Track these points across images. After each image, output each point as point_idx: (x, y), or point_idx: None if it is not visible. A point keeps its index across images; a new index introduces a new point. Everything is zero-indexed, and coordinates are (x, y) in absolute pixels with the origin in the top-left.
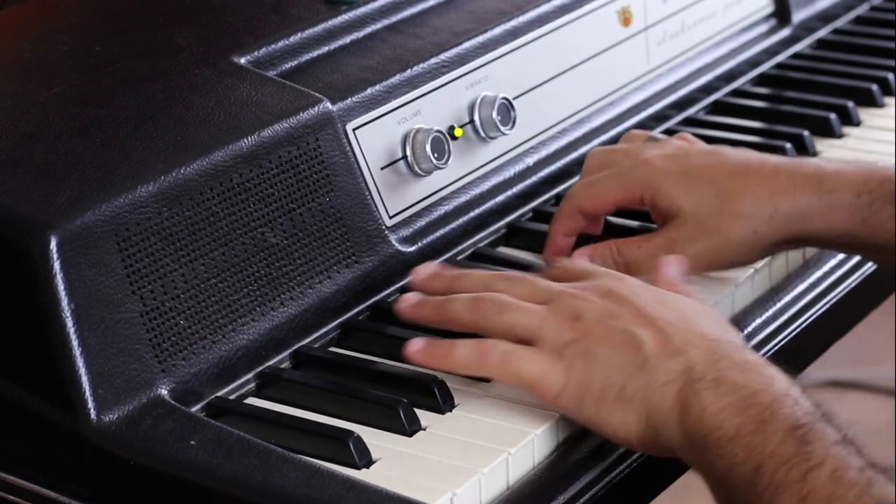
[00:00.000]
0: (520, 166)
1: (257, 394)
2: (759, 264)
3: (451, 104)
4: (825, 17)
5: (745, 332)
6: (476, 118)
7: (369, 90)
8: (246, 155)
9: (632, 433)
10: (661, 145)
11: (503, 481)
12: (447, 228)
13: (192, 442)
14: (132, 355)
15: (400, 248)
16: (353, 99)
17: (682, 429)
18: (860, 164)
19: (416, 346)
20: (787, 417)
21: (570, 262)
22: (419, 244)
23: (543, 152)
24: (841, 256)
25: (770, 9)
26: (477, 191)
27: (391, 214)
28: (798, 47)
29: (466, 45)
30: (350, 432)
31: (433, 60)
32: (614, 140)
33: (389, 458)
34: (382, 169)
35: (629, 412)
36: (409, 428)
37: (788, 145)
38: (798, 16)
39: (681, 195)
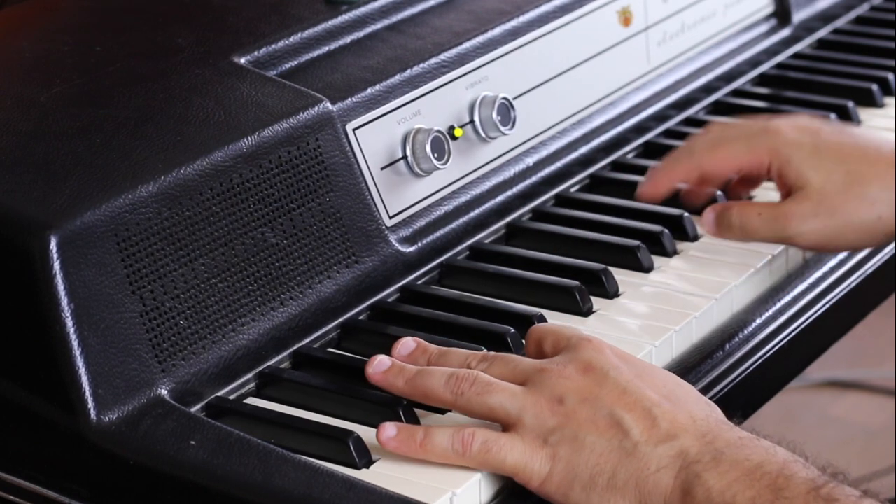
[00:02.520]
0: (520, 166)
1: (257, 394)
2: (760, 264)
3: (451, 104)
4: (825, 17)
5: (745, 332)
6: (476, 118)
7: (369, 90)
8: (246, 155)
9: None
10: (791, 116)
11: (503, 481)
12: (447, 228)
13: (192, 442)
14: (132, 355)
15: (400, 248)
16: (353, 99)
17: None
18: None
19: (388, 432)
20: (804, 480)
21: (544, 326)
22: (419, 244)
23: (543, 152)
24: (841, 256)
25: (770, 9)
26: (477, 191)
27: (391, 214)
28: (798, 47)
29: (466, 45)
30: (350, 432)
31: (433, 60)
32: (614, 140)
33: (389, 458)
34: (382, 169)
35: (620, 500)
36: None
37: None
38: (798, 16)
39: (809, 169)
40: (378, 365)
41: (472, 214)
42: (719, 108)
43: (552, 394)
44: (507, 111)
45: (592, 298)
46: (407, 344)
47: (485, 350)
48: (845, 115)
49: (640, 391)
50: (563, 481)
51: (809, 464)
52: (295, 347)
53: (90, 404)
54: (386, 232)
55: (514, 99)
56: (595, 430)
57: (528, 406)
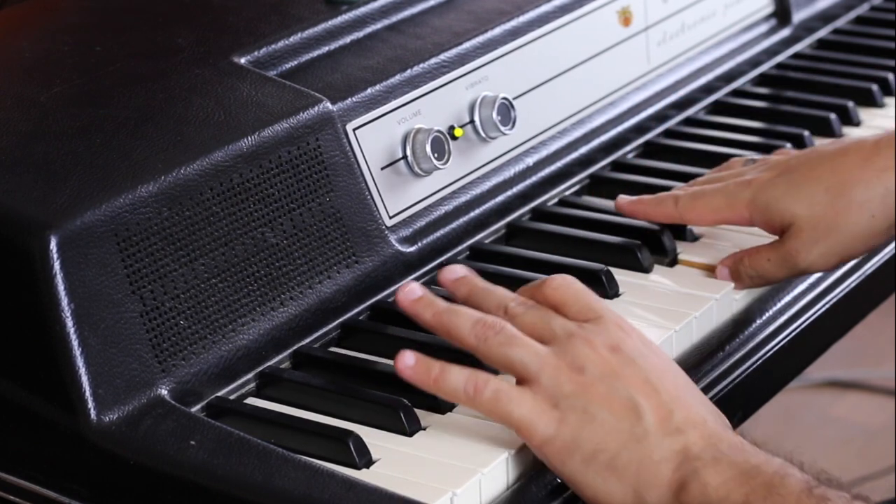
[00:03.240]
0: (520, 166)
1: (257, 394)
2: None
3: (451, 104)
4: (825, 17)
5: (746, 332)
6: (476, 118)
7: (369, 90)
8: (246, 155)
9: (615, 502)
10: (761, 164)
11: (503, 481)
12: (447, 228)
13: (192, 442)
14: (132, 355)
15: (400, 248)
16: (353, 99)
17: None
18: None
19: (408, 360)
20: (797, 482)
21: (574, 287)
22: (419, 244)
23: (543, 152)
24: None
25: (770, 9)
26: (477, 191)
27: (391, 214)
28: (798, 47)
29: (466, 45)
30: (350, 432)
31: (433, 60)
32: (614, 140)
33: (389, 458)
34: (382, 169)
35: (616, 482)
36: (409, 428)
37: (789, 145)
38: (798, 16)
39: (791, 203)
40: (409, 292)
41: (472, 214)
42: (719, 108)
43: (574, 361)
44: (507, 111)
45: None
46: (455, 270)
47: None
48: (845, 115)
49: (661, 383)
50: (565, 448)
51: (804, 471)
52: (295, 347)
53: (90, 404)
54: (386, 232)
55: (514, 99)
56: (608, 407)
57: (547, 367)
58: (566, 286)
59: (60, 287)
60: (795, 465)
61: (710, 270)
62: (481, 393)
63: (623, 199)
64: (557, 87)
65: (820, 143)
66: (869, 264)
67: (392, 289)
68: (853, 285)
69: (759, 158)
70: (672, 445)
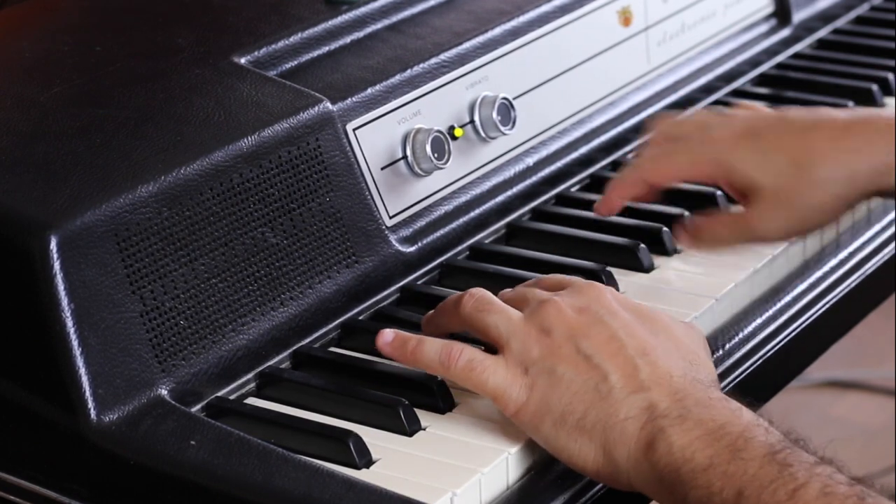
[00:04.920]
0: (520, 166)
1: (257, 394)
2: (760, 264)
3: (451, 104)
4: (825, 17)
5: (746, 332)
6: (476, 118)
7: (369, 90)
8: (246, 155)
9: (588, 463)
10: (727, 120)
11: (503, 481)
12: (447, 228)
13: (192, 442)
14: (132, 355)
15: (400, 248)
16: (353, 99)
17: (649, 464)
18: None
19: (386, 337)
20: (761, 444)
21: (556, 276)
22: (419, 244)
23: (543, 152)
24: (841, 256)
25: (770, 9)
26: (477, 191)
27: (391, 214)
28: (798, 47)
29: (466, 45)
30: (350, 432)
31: (433, 60)
32: (614, 140)
33: (389, 458)
34: (382, 169)
35: (587, 442)
36: (409, 428)
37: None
38: (798, 16)
39: (755, 170)
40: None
41: (472, 214)
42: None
43: (542, 325)
44: (507, 111)
45: None
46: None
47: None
48: None
49: (628, 339)
50: (536, 413)
51: (773, 429)
52: (295, 347)
53: (90, 404)
54: (386, 232)
55: (514, 99)
56: (574, 367)
57: (518, 332)
58: (551, 276)
59: (60, 287)
60: (764, 421)
61: None
62: (455, 362)
63: (597, 203)
64: (557, 87)
65: (790, 109)
66: (869, 264)
67: (392, 288)
68: (853, 285)
69: (726, 111)
70: (637, 403)
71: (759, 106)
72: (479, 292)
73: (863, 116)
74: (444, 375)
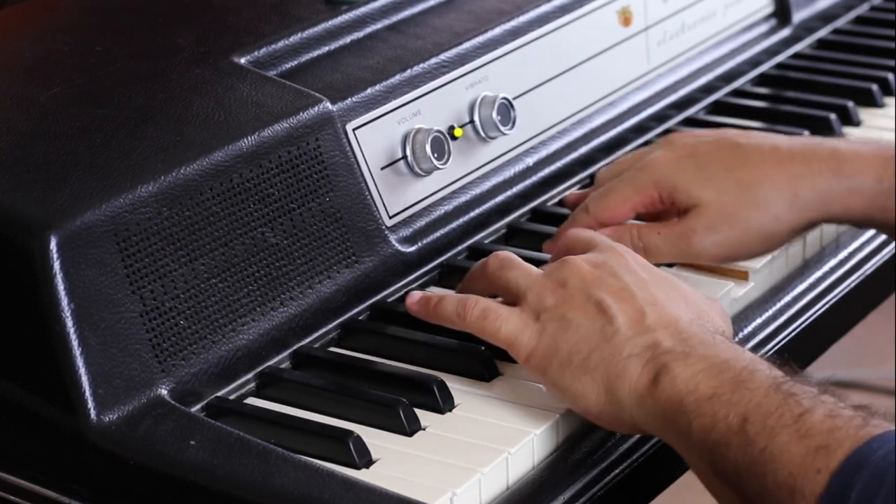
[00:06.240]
0: (520, 166)
1: (257, 394)
2: (759, 264)
3: (451, 104)
4: (825, 17)
5: (745, 332)
6: (476, 118)
7: (369, 90)
8: (246, 155)
9: (591, 402)
10: (665, 146)
11: (503, 481)
12: (447, 228)
13: (192, 442)
14: (132, 355)
15: (400, 248)
16: (353, 99)
17: (651, 399)
18: (877, 145)
19: (414, 297)
20: (766, 377)
21: (578, 231)
22: (419, 244)
23: (543, 152)
24: (841, 256)
25: (770, 9)
26: (477, 191)
27: (391, 214)
28: (798, 47)
29: (466, 45)
30: (350, 432)
31: (433, 60)
32: (614, 140)
33: (389, 458)
34: (382, 169)
35: (590, 381)
36: (409, 428)
37: None
38: (798, 16)
39: (698, 188)
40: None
41: (472, 214)
42: (719, 108)
43: (558, 277)
44: (507, 111)
45: None
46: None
47: None
48: (845, 115)
49: (638, 291)
50: (545, 356)
51: (774, 367)
52: (295, 347)
53: (90, 404)
54: (386, 232)
55: (514, 99)
56: (583, 313)
57: (534, 285)
58: (566, 235)
59: (60, 287)
60: (765, 360)
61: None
62: (471, 312)
63: (547, 243)
64: (557, 87)
65: (728, 130)
66: (869, 264)
67: (392, 288)
68: (853, 285)
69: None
70: (640, 342)
71: (686, 130)
72: (504, 252)
73: (808, 145)
74: (461, 327)
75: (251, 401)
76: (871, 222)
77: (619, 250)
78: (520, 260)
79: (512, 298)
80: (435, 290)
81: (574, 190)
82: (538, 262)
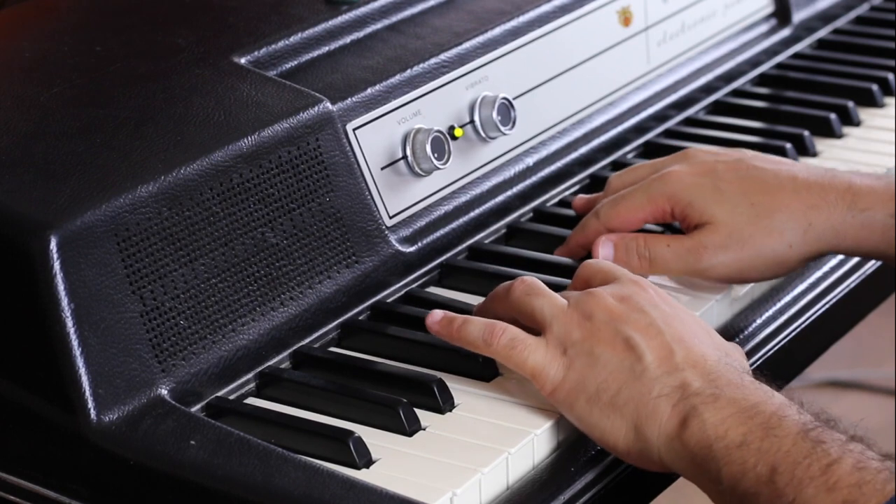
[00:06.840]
0: (520, 166)
1: (257, 394)
2: None
3: (451, 104)
4: (825, 17)
5: (746, 332)
6: (476, 118)
7: (369, 90)
8: (246, 155)
9: (619, 440)
10: (684, 160)
11: (503, 481)
12: (447, 228)
13: (192, 442)
14: (132, 355)
15: (400, 248)
16: (353, 99)
17: (680, 442)
18: (889, 179)
19: (435, 316)
20: (794, 423)
21: (597, 262)
22: (419, 244)
23: (543, 152)
24: (841, 256)
25: (770, 9)
26: (477, 191)
27: (391, 214)
28: (798, 47)
29: (466, 45)
30: (350, 432)
31: (433, 60)
32: (614, 140)
33: (389, 458)
34: (382, 169)
35: (619, 419)
36: (409, 428)
37: (789, 145)
38: (798, 16)
39: (714, 205)
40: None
41: (472, 214)
42: (719, 108)
43: (584, 310)
44: (507, 111)
45: None
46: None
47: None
48: (845, 115)
49: (665, 328)
50: (572, 391)
51: (804, 410)
52: (295, 347)
53: (90, 404)
54: (386, 232)
55: (514, 99)
56: (612, 349)
57: (560, 316)
58: (584, 267)
59: (60, 287)
60: (796, 403)
61: None
62: (498, 340)
63: (559, 249)
64: (557, 87)
65: (746, 151)
66: (869, 264)
67: (392, 288)
68: (853, 285)
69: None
70: (670, 382)
71: (716, 149)
72: (530, 279)
73: (824, 176)
74: (487, 353)
75: (251, 401)
76: (881, 256)
77: (643, 284)
78: (545, 287)
79: (534, 325)
80: (435, 290)
81: (577, 192)
82: (538, 262)
